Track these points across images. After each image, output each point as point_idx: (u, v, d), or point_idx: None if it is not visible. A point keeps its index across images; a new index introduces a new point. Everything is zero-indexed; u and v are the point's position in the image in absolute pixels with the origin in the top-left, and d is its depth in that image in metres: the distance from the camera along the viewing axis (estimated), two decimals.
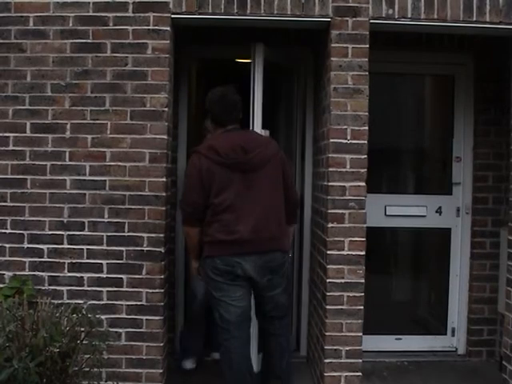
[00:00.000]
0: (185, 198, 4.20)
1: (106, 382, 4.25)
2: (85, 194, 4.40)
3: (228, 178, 4.06)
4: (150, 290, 4.40)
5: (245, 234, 4.04)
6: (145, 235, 4.40)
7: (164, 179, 4.41)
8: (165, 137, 4.40)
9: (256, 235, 4.06)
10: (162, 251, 4.42)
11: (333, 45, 4.42)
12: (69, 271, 4.41)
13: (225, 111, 4.23)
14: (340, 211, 4.43)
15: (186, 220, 4.23)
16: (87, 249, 4.41)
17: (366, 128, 4.42)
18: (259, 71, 4.75)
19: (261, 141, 4.24)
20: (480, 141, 5.53)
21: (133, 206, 4.40)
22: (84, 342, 3.78)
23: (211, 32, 5.03)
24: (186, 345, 5.07)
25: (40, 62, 4.39)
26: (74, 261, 4.40)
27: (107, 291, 4.40)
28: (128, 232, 4.40)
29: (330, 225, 4.44)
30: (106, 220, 4.41)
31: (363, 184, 4.44)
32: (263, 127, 4.65)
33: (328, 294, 4.45)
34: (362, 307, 4.46)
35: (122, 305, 4.41)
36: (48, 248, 4.41)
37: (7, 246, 4.41)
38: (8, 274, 4.40)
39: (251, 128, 4.69)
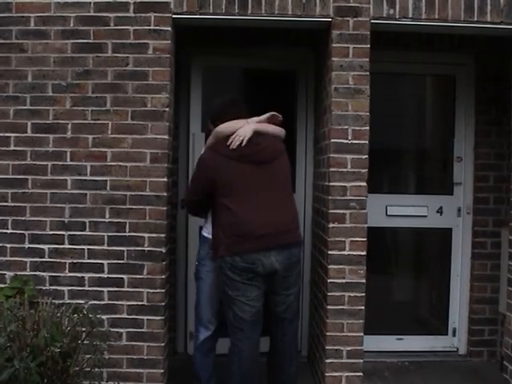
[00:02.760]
0: (190, 189, 4.38)
1: (106, 382, 4.26)
2: (86, 194, 4.41)
3: (240, 171, 4.07)
4: (151, 290, 4.41)
5: (263, 228, 4.02)
6: (146, 235, 4.40)
7: (165, 179, 4.41)
8: (166, 137, 4.41)
9: (274, 229, 4.05)
10: (163, 251, 4.42)
11: (334, 45, 4.42)
12: (70, 271, 4.41)
13: (238, 113, 4.25)
14: (341, 211, 4.43)
15: (187, 209, 4.72)
16: (88, 249, 4.41)
17: (367, 128, 4.43)
18: (196, 83, 5.41)
19: (269, 137, 4.25)
20: (481, 141, 5.53)
21: (134, 206, 4.40)
22: (85, 342, 3.78)
23: (210, 32, 5.03)
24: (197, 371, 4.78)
25: (41, 62, 4.39)
26: (74, 261, 4.41)
27: (108, 291, 4.41)
28: (129, 232, 4.41)
29: (330, 225, 4.45)
30: (107, 220, 4.41)
31: (364, 184, 4.44)
32: None
33: (329, 294, 4.45)
34: (363, 307, 4.46)
35: (122, 305, 4.41)
36: (49, 248, 4.41)
37: (8, 246, 4.41)
38: (9, 274, 4.40)
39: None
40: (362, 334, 4.48)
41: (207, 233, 4.43)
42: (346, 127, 4.42)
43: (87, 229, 4.41)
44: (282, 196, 4.18)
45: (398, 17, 4.44)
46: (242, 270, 4.02)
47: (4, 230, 4.42)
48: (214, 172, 4.08)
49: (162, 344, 4.44)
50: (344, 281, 4.44)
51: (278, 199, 4.14)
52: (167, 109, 4.40)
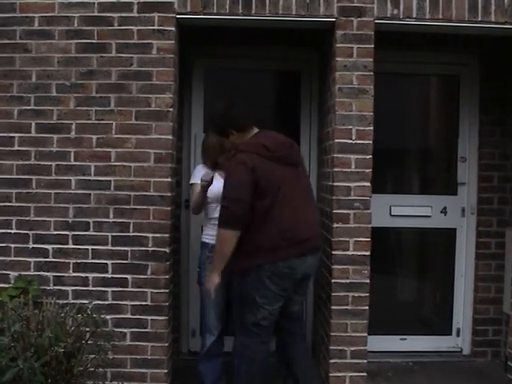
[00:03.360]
0: (232, 195, 3.87)
1: (110, 382, 4.26)
2: (90, 194, 4.41)
3: (281, 173, 3.96)
4: (155, 290, 4.41)
5: (305, 231, 4.01)
6: (150, 235, 4.40)
7: (169, 179, 4.41)
8: (170, 137, 4.41)
9: (311, 232, 4.06)
10: (167, 251, 4.42)
11: (338, 45, 4.42)
12: (74, 271, 4.42)
13: (248, 116, 4.17)
14: (345, 211, 4.43)
15: (228, 221, 3.88)
16: (92, 249, 4.41)
17: (371, 128, 4.43)
18: (198, 84, 5.51)
19: (290, 140, 4.21)
20: (485, 141, 5.52)
21: (138, 206, 4.40)
22: (89, 342, 3.79)
23: (213, 33, 5.03)
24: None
25: (45, 62, 4.40)
26: (78, 261, 4.41)
27: (112, 291, 4.41)
28: (133, 232, 4.41)
29: (334, 225, 4.45)
30: (110, 220, 4.41)
31: (368, 184, 4.44)
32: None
33: (333, 294, 4.45)
34: (366, 307, 4.47)
35: (126, 305, 4.42)
36: (53, 248, 4.41)
37: (12, 246, 4.42)
38: (13, 274, 4.41)
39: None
40: (365, 334, 4.48)
41: (207, 238, 4.47)
42: (350, 127, 4.42)
43: (91, 229, 4.42)
44: (309, 198, 4.20)
45: (402, 17, 4.44)
46: (282, 276, 3.94)
47: (8, 230, 4.42)
48: (257, 173, 3.88)
49: (166, 344, 4.45)
50: (348, 281, 4.45)
51: (308, 201, 4.15)
52: (171, 109, 4.40)
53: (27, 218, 4.42)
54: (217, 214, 4.35)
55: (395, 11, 4.43)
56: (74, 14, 4.39)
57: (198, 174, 4.47)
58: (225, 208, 3.89)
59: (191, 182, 4.57)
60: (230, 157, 4.22)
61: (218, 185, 4.35)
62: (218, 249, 3.96)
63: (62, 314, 3.81)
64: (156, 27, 4.39)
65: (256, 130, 4.15)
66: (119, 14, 4.39)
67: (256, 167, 3.88)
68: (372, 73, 4.42)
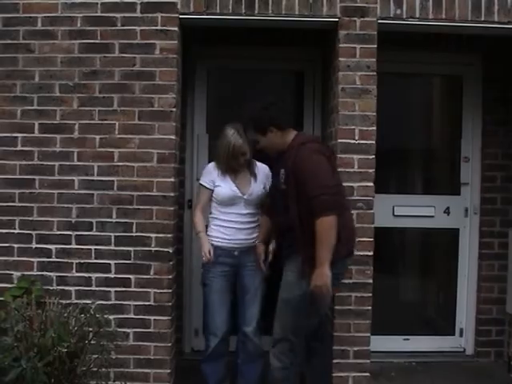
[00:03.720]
0: (323, 182, 3.73)
1: (114, 382, 4.26)
2: (93, 194, 4.41)
3: (335, 168, 4.05)
4: (158, 290, 4.41)
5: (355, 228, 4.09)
6: (153, 235, 4.40)
7: (172, 179, 4.41)
8: (173, 137, 4.41)
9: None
10: (170, 251, 4.42)
11: (341, 45, 4.42)
12: (77, 271, 4.42)
13: (284, 115, 4.14)
14: None
15: (329, 207, 3.70)
16: (95, 249, 4.42)
17: (374, 128, 4.42)
18: (201, 84, 5.51)
19: None
20: (488, 141, 5.51)
21: (141, 207, 4.40)
22: (92, 342, 3.79)
23: (215, 32, 5.02)
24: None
25: (48, 62, 4.40)
26: (82, 261, 4.41)
27: (115, 291, 4.41)
28: (136, 232, 4.41)
29: None
30: (114, 220, 4.42)
31: (371, 184, 4.44)
32: None
33: (336, 294, 4.44)
34: (370, 307, 4.47)
35: (129, 305, 4.42)
36: (56, 248, 4.42)
37: (15, 246, 4.42)
38: (16, 274, 4.41)
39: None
40: (368, 334, 4.49)
41: (210, 239, 4.37)
42: (353, 127, 4.42)
43: (94, 229, 4.42)
44: None
45: (405, 17, 4.44)
46: (339, 276, 3.96)
47: (11, 230, 4.43)
48: (331, 162, 3.93)
49: (169, 344, 4.45)
50: (351, 281, 4.44)
51: None
52: (174, 109, 4.40)
53: (30, 218, 4.42)
54: (223, 216, 4.33)
55: (398, 11, 4.43)
56: (77, 15, 4.39)
57: (208, 174, 4.39)
58: (325, 195, 3.69)
59: (200, 182, 4.49)
60: (244, 162, 4.29)
61: (226, 188, 4.31)
62: (323, 239, 3.68)
63: (65, 314, 3.82)
64: (159, 27, 4.39)
65: (295, 132, 4.08)
66: (122, 15, 4.39)
67: (330, 157, 3.96)
68: (375, 73, 4.42)
